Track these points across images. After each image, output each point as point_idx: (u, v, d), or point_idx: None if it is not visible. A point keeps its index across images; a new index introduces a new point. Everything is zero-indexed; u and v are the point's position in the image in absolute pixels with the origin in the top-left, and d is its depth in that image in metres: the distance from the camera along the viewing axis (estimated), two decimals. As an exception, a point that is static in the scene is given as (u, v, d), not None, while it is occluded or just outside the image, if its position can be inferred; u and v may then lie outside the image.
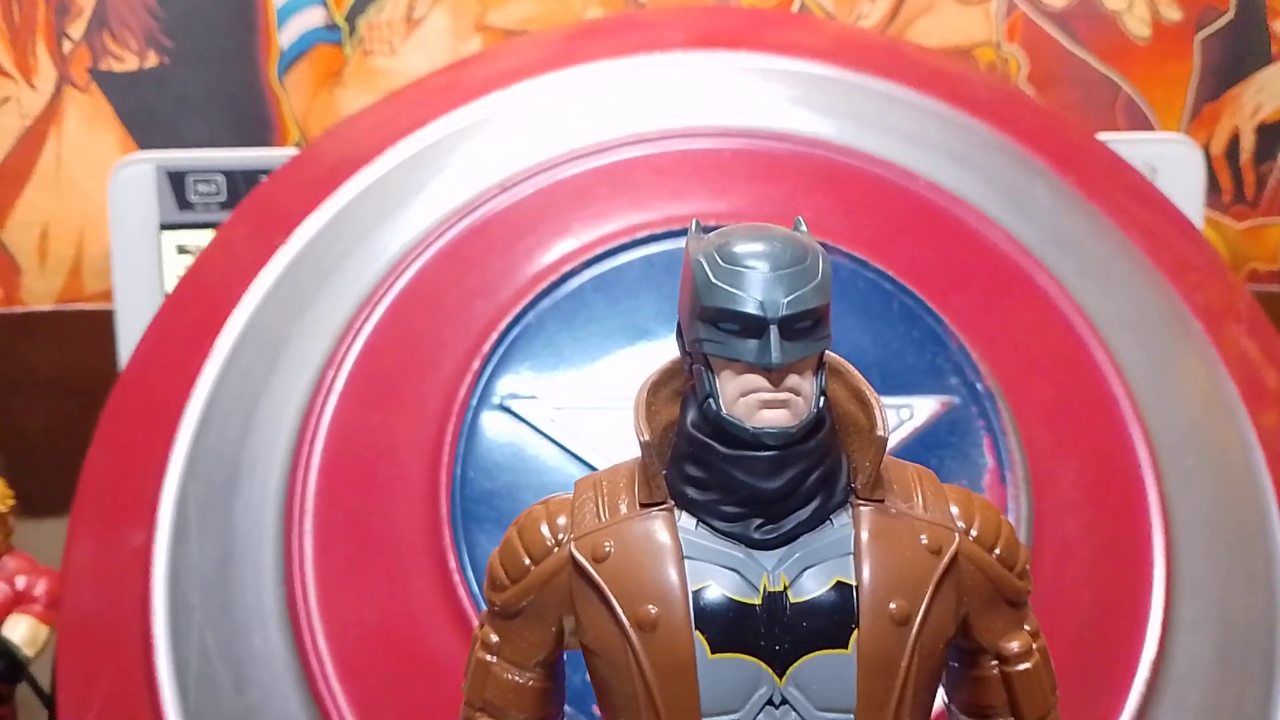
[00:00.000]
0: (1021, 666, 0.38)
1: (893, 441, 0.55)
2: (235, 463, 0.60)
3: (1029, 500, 0.59)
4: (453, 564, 0.56)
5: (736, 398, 0.35)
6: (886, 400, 0.43)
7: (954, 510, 0.37)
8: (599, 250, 0.63)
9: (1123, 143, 0.79)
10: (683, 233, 0.63)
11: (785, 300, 0.34)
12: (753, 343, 0.35)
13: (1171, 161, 0.82)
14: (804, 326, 0.35)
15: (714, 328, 0.35)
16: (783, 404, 0.35)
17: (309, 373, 0.62)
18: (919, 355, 0.61)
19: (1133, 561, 0.59)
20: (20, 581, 0.71)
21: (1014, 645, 0.37)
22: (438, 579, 0.56)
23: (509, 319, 0.61)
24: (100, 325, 0.84)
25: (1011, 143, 0.72)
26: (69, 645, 0.62)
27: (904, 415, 0.60)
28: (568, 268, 0.62)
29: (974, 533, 0.37)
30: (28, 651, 0.70)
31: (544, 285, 0.62)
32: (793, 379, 0.35)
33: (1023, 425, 0.60)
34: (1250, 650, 0.59)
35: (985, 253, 0.66)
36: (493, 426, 0.59)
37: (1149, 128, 0.94)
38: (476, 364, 0.60)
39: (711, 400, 0.36)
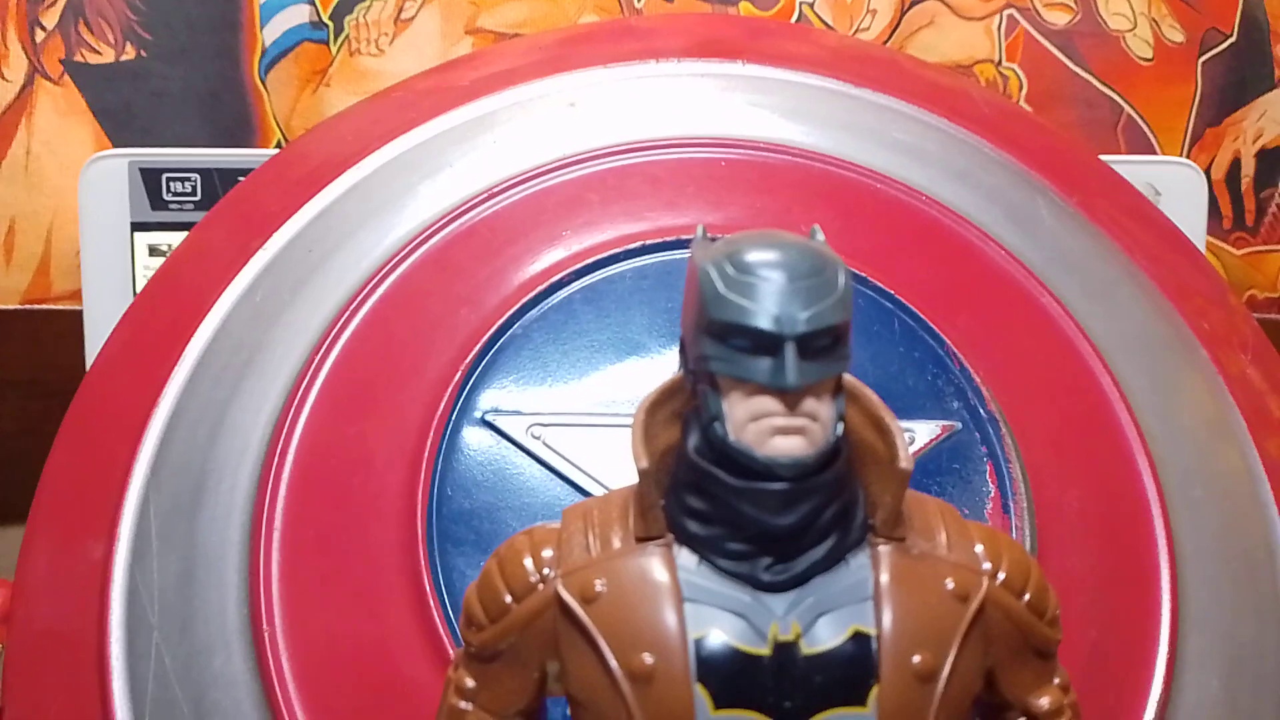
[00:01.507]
0: (1054, 727, 0.35)
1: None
2: (201, 474, 0.58)
3: (1032, 530, 0.57)
4: (427, 586, 0.54)
5: (746, 422, 0.32)
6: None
7: (979, 550, 0.35)
8: (589, 260, 0.61)
9: (1125, 164, 0.79)
10: (677, 244, 0.63)
11: (803, 315, 0.31)
12: (766, 362, 0.32)
13: (1174, 185, 0.82)
14: (823, 345, 0.32)
15: (722, 344, 0.32)
16: (798, 431, 0.32)
17: (282, 381, 0.60)
18: (919, 377, 0.59)
19: (1138, 594, 0.57)
20: (-31, 594, 0.68)
21: (1044, 702, 0.35)
22: (411, 601, 0.54)
23: (493, 329, 0.59)
24: (71, 325, 0.83)
25: (1014, 161, 0.71)
26: (19, 663, 0.60)
27: (905, 439, 0.57)
28: (556, 277, 0.61)
29: (1002, 575, 0.35)
30: (-27, 669, 0.67)
31: (531, 295, 0.60)
32: (809, 403, 0.32)
33: (1026, 451, 0.59)
34: (1259, 686, 0.58)
35: (988, 272, 0.64)
36: (473, 442, 0.57)
37: (1150, 150, 0.93)
38: (458, 375, 0.58)
39: (717, 424, 0.33)
